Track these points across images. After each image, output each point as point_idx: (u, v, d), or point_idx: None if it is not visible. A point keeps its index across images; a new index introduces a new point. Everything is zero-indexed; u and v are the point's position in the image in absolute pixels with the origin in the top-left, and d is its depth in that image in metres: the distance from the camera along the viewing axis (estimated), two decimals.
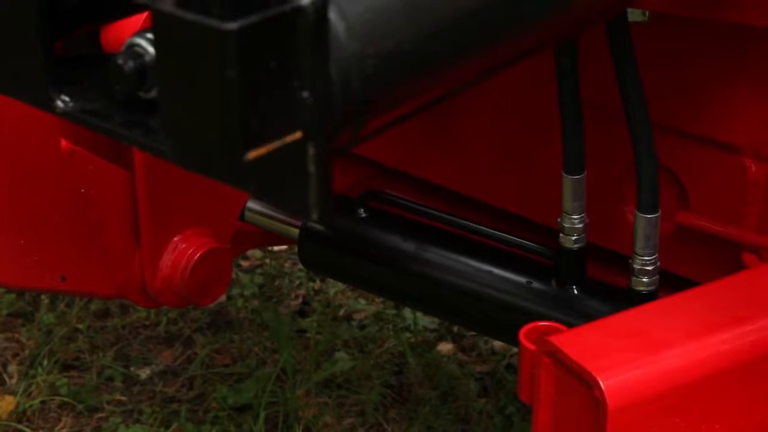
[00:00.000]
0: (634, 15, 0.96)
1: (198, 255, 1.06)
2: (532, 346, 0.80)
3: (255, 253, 2.17)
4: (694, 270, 1.11)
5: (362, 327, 1.92)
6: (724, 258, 1.08)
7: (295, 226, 1.19)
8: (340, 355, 1.82)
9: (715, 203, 1.08)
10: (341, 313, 1.96)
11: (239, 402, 1.72)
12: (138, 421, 1.71)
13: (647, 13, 0.96)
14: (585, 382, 0.74)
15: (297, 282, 2.07)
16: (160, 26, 0.49)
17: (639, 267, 0.97)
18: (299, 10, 0.47)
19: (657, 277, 0.97)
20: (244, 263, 2.15)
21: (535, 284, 1.03)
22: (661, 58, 1.07)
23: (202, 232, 1.08)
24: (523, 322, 0.84)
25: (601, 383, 0.73)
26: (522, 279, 1.04)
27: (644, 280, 0.97)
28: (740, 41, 1.01)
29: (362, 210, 1.16)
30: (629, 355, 0.76)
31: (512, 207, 1.22)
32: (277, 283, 2.07)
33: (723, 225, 1.07)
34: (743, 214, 1.07)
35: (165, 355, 1.88)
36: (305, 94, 0.48)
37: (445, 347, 1.84)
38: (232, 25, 0.46)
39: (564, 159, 0.98)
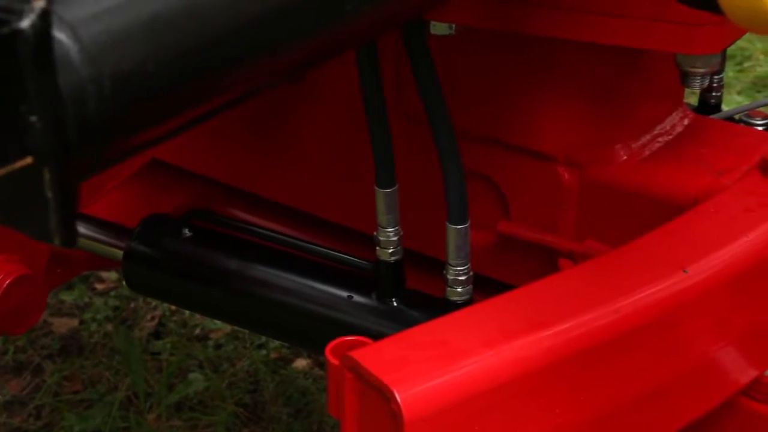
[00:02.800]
0: (440, 28, 0.98)
1: (6, 283, 1.03)
2: (335, 361, 0.80)
3: (110, 275, 2.12)
4: (518, 277, 1.13)
5: (218, 346, 1.90)
6: (544, 265, 1.10)
7: (118, 248, 1.17)
8: (194, 376, 1.80)
9: (533, 211, 1.11)
10: (197, 332, 1.93)
11: (87, 429, 1.67)
12: None
13: (453, 26, 0.98)
14: (383, 395, 0.75)
15: (153, 303, 2.03)
16: None
17: (452, 277, 0.98)
18: (17, 33, 0.45)
19: (470, 286, 0.99)
20: (99, 286, 2.11)
21: (356, 298, 1.03)
22: (475, 69, 1.09)
23: (10, 258, 1.05)
24: (345, 336, 0.84)
25: (397, 396, 0.74)
26: (344, 293, 1.05)
27: (458, 290, 0.98)
28: (548, 53, 1.04)
29: (186, 230, 1.15)
30: (427, 366, 0.77)
31: (345, 221, 1.23)
32: (132, 305, 2.03)
33: (541, 232, 1.10)
34: (559, 221, 1.09)
35: (12, 384, 1.82)
36: (33, 118, 0.47)
37: (301, 363, 1.84)
38: None
39: (375, 173, 0.99)
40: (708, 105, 1.35)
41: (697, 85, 0.95)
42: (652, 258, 0.89)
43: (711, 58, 0.93)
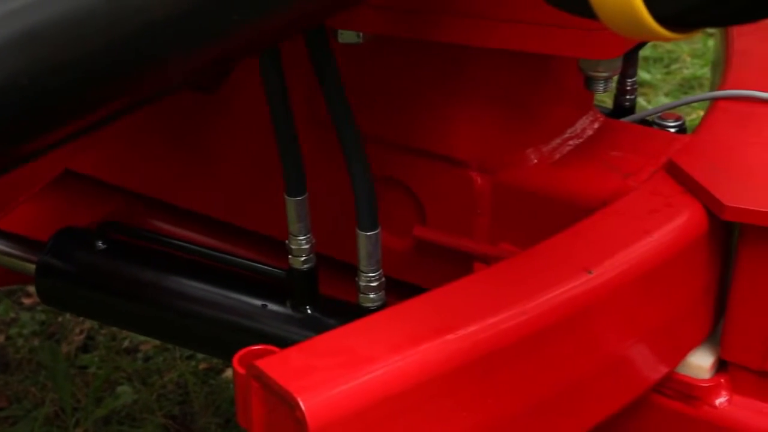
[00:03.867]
0: (348, 37, 0.98)
1: None
2: (242, 371, 0.80)
3: None
4: (436, 282, 1.14)
5: (147, 359, 1.88)
6: (460, 269, 1.11)
7: (31, 262, 1.16)
8: (123, 389, 1.78)
9: (448, 216, 1.12)
10: (126, 345, 1.91)
11: None
12: None
13: (361, 34, 0.99)
14: (288, 403, 0.75)
15: (81, 317, 2.01)
16: None
17: (364, 284, 0.98)
18: None
19: (383, 292, 1.00)
20: (27, 300, 2.08)
21: (271, 306, 1.03)
22: (387, 76, 1.10)
23: None
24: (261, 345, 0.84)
25: (301, 404, 0.74)
26: (258, 302, 1.05)
27: (371, 296, 0.99)
28: (458, 59, 1.05)
29: (100, 242, 1.14)
30: (332, 374, 0.77)
31: (263, 229, 1.22)
32: (60, 319, 2.01)
33: (456, 237, 1.11)
34: (474, 226, 1.11)
35: None
36: None
37: (231, 373, 1.83)
38: None
39: (284, 181, 0.99)
40: (622, 107, 1.37)
41: (601, 88, 0.96)
42: (557, 260, 0.91)
43: (613, 61, 0.94)
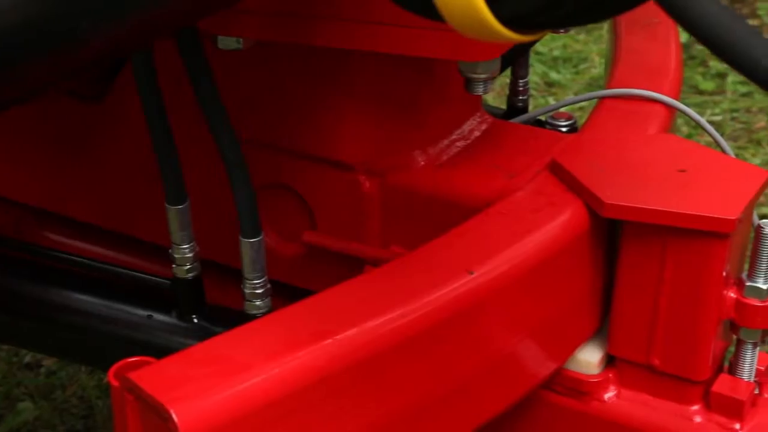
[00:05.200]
0: (227, 43, 0.97)
1: None
2: (116, 383, 0.79)
3: None
4: (329, 287, 1.14)
5: (50, 373, 1.84)
6: (352, 273, 1.11)
7: None
8: (24, 405, 1.74)
9: (338, 220, 1.11)
10: (27, 360, 1.87)
11: None
12: None
13: (241, 40, 0.98)
14: (161, 416, 0.74)
15: None
16: None
17: (249, 291, 0.98)
18: None
19: (269, 299, 0.99)
20: None
21: (156, 317, 1.02)
22: (271, 82, 1.09)
23: None
24: (147, 356, 0.82)
25: (173, 415, 0.73)
26: (144, 313, 1.03)
27: (257, 303, 0.98)
28: (341, 63, 1.05)
29: None
30: (206, 384, 0.76)
31: (154, 238, 1.21)
32: None
33: (346, 241, 1.11)
34: (364, 230, 1.10)
35: None
36: None
37: None
38: None
39: (164, 189, 0.98)
40: (515, 108, 1.39)
41: (481, 90, 0.97)
42: (439, 262, 0.91)
43: (491, 63, 0.95)
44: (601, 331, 1.06)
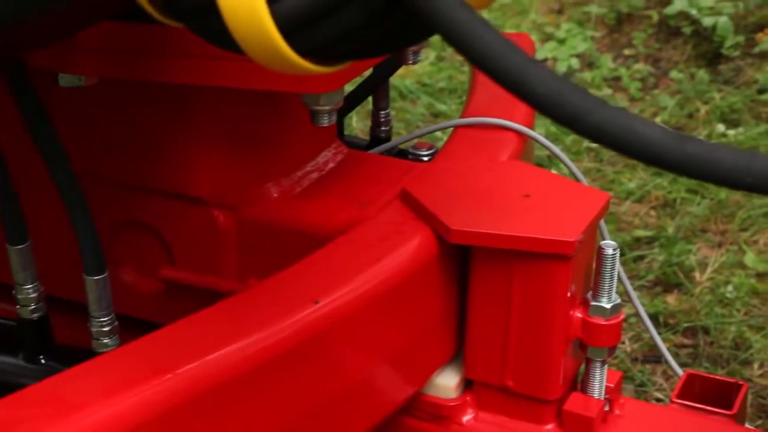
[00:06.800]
0: (69, 80, 0.97)
1: None
2: None
3: None
4: None
5: None
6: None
7: None
8: None
9: (195, 255, 1.11)
10: None
11: None
12: None
13: (83, 78, 0.97)
14: None
15: None
16: None
17: (96, 329, 0.97)
18: None
19: (117, 336, 0.98)
20: None
21: (2, 359, 1.00)
22: (120, 118, 1.09)
23: None
24: None
25: None
26: None
27: (105, 340, 0.97)
28: (188, 98, 1.05)
29: None
30: (38, 425, 0.75)
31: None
32: None
33: (202, 275, 1.11)
34: (221, 263, 1.11)
35: None
36: None
37: None
38: None
39: (5, 229, 0.96)
40: (378, 139, 1.41)
41: (326, 121, 0.98)
42: (286, 292, 0.91)
43: (333, 95, 0.96)
44: (458, 356, 1.08)
